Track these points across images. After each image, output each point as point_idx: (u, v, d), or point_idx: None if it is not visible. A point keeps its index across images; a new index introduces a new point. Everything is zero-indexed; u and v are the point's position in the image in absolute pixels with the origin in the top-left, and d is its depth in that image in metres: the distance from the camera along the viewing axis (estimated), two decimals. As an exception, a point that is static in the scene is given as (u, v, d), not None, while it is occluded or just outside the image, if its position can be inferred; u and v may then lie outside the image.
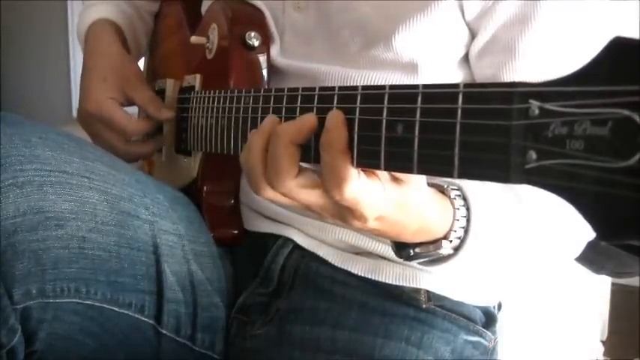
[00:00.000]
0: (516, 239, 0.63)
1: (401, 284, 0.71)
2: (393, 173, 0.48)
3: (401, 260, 0.71)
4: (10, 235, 0.61)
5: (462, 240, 0.57)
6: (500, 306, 0.81)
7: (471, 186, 0.58)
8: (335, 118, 0.47)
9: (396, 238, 0.56)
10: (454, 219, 0.56)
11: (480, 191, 0.58)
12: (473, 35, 0.66)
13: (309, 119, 0.49)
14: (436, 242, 0.56)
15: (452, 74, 0.69)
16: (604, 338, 1.68)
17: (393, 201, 0.49)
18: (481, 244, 0.58)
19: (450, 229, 0.56)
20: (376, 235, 0.56)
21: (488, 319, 0.76)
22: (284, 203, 0.52)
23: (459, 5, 0.64)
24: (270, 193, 0.51)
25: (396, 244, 0.58)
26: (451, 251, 0.57)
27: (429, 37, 0.66)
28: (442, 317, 0.72)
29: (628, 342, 1.74)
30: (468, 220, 0.56)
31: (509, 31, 0.63)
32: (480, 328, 0.74)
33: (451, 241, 0.56)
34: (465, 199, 0.57)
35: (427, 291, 0.72)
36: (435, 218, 0.55)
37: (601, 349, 1.55)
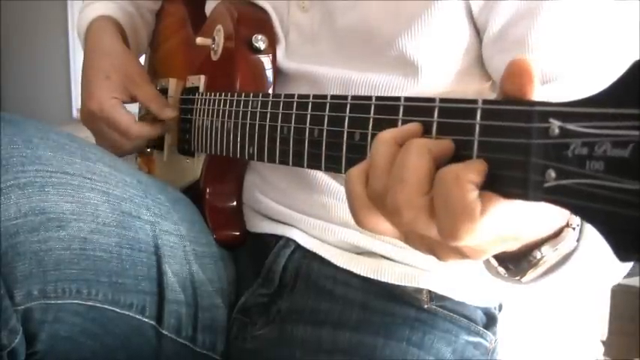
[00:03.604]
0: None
1: (403, 284, 0.71)
2: None
3: (403, 260, 0.72)
4: (11, 236, 0.61)
5: (580, 226, 0.48)
6: (500, 307, 0.81)
7: None
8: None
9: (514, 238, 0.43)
10: None
11: None
12: (480, 35, 0.66)
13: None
14: (560, 234, 0.47)
15: (451, 83, 0.68)
16: (604, 338, 1.68)
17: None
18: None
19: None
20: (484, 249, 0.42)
21: (489, 319, 0.76)
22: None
23: (466, 6, 0.64)
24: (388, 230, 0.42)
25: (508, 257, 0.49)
26: (575, 243, 0.49)
27: (433, 40, 0.65)
28: (443, 318, 0.72)
29: (628, 342, 1.74)
30: None
31: (517, 27, 0.62)
32: (481, 328, 0.74)
33: (574, 229, 0.48)
34: None
35: (429, 291, 0.72)
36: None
37: (601, 349, 1.55)
